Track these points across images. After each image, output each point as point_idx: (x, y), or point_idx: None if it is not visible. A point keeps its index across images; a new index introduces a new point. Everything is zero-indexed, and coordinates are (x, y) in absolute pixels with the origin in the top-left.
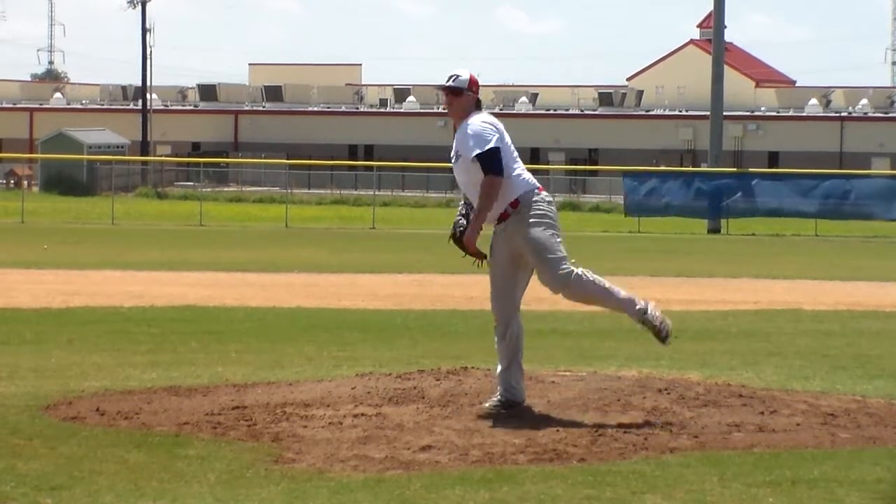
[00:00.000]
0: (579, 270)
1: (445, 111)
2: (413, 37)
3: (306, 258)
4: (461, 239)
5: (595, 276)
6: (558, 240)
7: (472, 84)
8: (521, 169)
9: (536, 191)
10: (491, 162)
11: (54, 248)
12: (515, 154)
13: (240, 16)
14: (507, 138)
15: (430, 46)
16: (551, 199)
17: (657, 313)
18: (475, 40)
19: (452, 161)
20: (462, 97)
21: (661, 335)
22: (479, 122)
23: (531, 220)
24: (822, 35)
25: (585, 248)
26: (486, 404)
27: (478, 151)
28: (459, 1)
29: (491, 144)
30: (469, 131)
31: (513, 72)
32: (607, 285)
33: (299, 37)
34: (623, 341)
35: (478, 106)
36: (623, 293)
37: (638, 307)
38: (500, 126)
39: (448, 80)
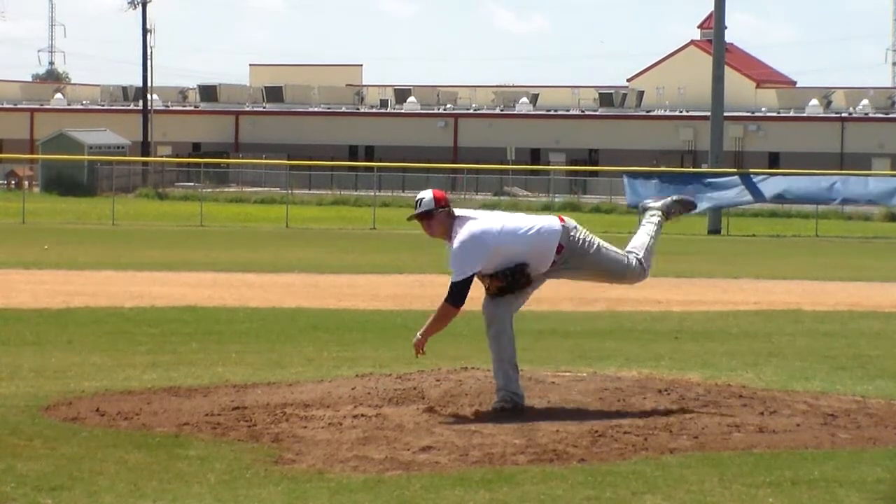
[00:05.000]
0: (632, 257)
1: (447, 114)
2: (407, 37)
3: (306, 258)
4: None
5: (644, 242)
6: (606, 247)
7: (439, 200)
8: (536, 221)
9: (563, 226)
10: (453, 292)
11: (55, 248)
12: (520, 218)
13: (240, 16)
14: (500, 220)
15: (425, 47)
16: (573, 222)
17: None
18: (471, 41)
19: None
20: (434, 218)
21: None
22: (459, 242)
23: (585, 248)
24: (822, 35)
25: None
26: (491, 408)
27: (452, 280)
28: (451, 1)
29: (460, 277)
30: (452, 255)
31: (512, 72)
32: (652, 242)
33: (297, 37)
34: (623, 342)
35: (451, 216)
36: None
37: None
38: (482, 231)
39: (416, 207)
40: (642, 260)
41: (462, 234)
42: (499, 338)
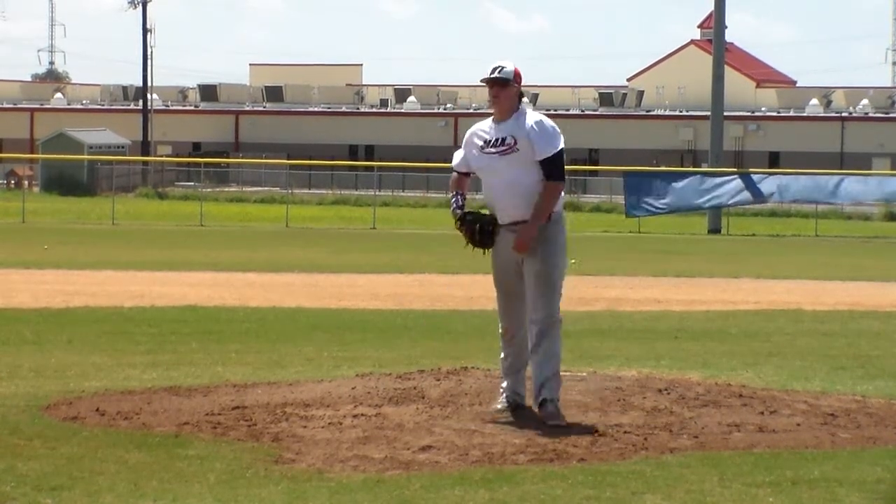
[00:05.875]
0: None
1: (447, 113)
2: (407, 37)
3: (306, 258)
4: (465, 225)
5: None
6: (562, 273)
7: (517, 76)
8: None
9: (562, 211)
10: (559, 166)
11: (55, 248)
12: None
13: (240, 16)
14: None
15: (421, 46)
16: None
17: (562, 413)
18: (471, 41)
19: (494, 151)
20: (508, 88)
21: (549, 421)
22: (547, 120)
23: (559, 244)
24: (822, 35)
25: (586, 248)
26: (492, 409)
27: (552, 152)
28: (451, 1)
29: (561, 146)
30: (540, 128)
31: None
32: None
33: (297, 37)
34: (623, 341)
35: (520, 97)
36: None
37: (559, 391)
38: None
39: (494, 72)
40: (561, 321)
41: (538, 115)
42: (521, 340)
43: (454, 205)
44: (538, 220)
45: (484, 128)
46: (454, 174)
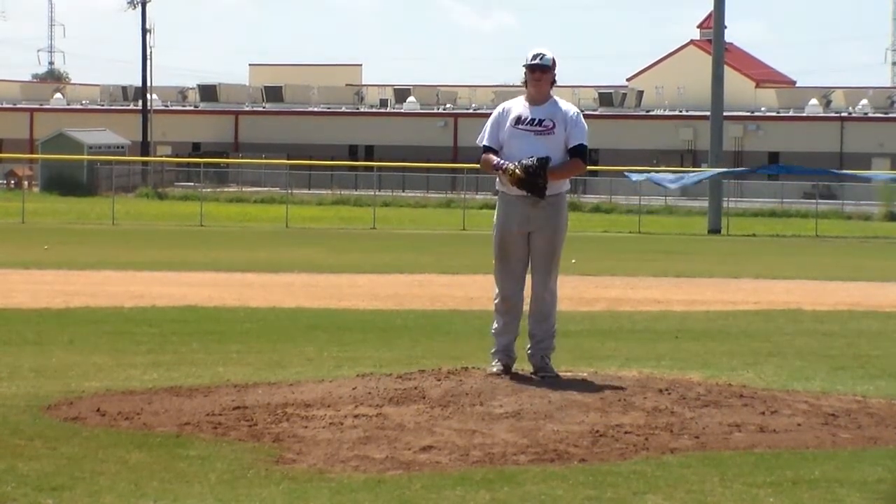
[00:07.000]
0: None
1: (447, 113)
2: (405, 37)
3: (306, 258)
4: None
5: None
6: (558, 260)
7: (554, 63)
8: None
9: (567, 194)
10: (584, 155)
11: (55, 248)
12: None
13: (240, 16)
14: None
15: (421, 46)
16: None
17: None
18: (469, 40)
19: (530, 129)
20: (549, 73)
21: (544, 374)
22: (581, 116)
23: (563, 225)
24: (822, 35)
25: (586, 248)
26: (488, 372)
27: (584, 141)
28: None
29: (587, 140)
30: (577, 118)
31: (512, 72)
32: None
33: (298, 37)
34: (624, 342)
35: (551, 85)
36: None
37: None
38: None
39: (536, 59)
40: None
41: (573, 106)
42: (515, 307)
43: (500, 162)
44: (555, 171)
45: (517, 106)
46: (484, 154)
